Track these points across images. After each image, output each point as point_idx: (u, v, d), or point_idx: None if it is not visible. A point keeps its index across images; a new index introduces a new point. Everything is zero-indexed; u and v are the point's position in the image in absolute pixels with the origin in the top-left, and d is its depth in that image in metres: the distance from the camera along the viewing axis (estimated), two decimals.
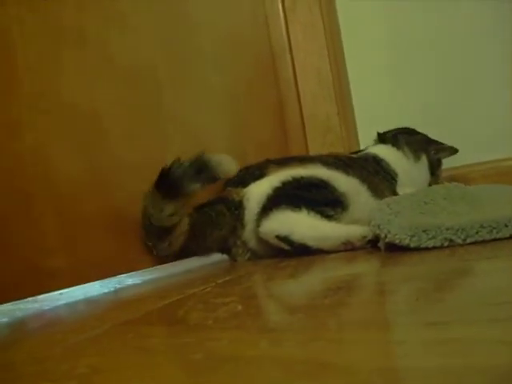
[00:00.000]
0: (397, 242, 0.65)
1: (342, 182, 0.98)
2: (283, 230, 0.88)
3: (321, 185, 0.96)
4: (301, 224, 0.89)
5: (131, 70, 0.94)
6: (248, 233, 0.96)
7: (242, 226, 0.96)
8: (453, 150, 1.27)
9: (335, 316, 0.39)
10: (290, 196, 0.92)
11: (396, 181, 1.14)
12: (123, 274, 0.90)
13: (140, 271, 0.93)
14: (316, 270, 0.73)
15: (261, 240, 0.94)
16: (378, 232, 0.69)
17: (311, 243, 0.86)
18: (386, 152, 1.19)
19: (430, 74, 1.47)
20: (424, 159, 1.24)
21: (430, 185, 1.24)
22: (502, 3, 1.39)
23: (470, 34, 1.43)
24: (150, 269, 0.94)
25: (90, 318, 0.65)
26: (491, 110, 1.41)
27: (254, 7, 1.48)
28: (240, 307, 0.49)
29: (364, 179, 1.03)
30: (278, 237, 0.88)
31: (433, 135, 1.30)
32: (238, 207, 0.97)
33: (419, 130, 1.29)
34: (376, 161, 1.16)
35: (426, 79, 1.48)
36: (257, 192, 0.96)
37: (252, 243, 0.96)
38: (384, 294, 0.47)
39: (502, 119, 1.39)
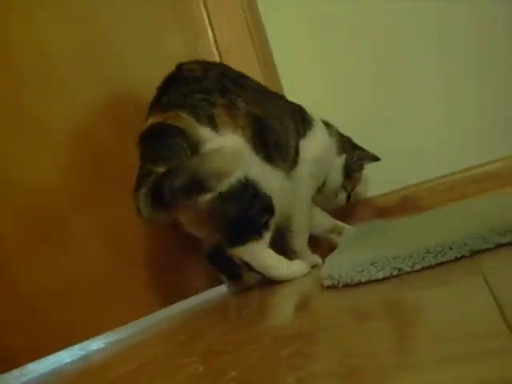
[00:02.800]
0: (349, 281, 0.67)
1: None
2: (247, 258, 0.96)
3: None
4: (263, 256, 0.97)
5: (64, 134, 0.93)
6: None
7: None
8: (375, 158, 1.31)
9: (295, 370, 0.40)
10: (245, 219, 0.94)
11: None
12: (86, 340, 0.89)
13: (103, 334, 0.93)
14: (274, 315, 0.74)
15: (214, 200, 0.90)
16: (332, 282, 0.70)
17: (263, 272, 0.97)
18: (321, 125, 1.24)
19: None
20: (343, 159, 1.28)
21: (344, 188, 1.30)
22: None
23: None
24: (113, 331, 0.93)
25: None
26: (429, 126, 1.46)
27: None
28: (201, 368, 0.50)
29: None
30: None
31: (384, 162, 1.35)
32: (196, 147, 0.91)
33: None
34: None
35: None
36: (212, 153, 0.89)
37: (201, 200, 0.90)
38: (343, 337, 0.48)
39: (440, 133, 1.44)
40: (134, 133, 0.92)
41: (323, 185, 1.25)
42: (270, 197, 0.98)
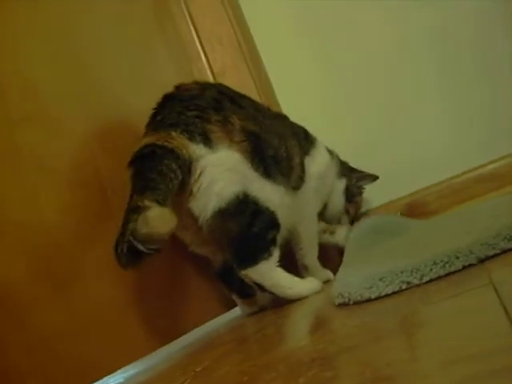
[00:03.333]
0: (359, 298, 0.67)
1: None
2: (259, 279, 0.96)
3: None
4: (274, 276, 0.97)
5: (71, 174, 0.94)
6: (197, 203, 0.93)
7: (190, 192, 0.93)
8: (373, 177, 1.32)
9: None
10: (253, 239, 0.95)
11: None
12: (104, 376, 0.89)
13: (121, 369, 0.93)
14: (288, 339, 0.73)
15: (214, 218, 0.92)
16: (343, 301, 0.70)
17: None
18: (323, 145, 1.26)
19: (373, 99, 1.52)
20: (344, 182, 1.29)
21: (347, 211, 1.31)
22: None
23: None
24: (130, 365, 0.93)
25: None
26: (434, 129, 1.46)
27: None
28: None
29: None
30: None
31: (378, 163, 1.36)
32: (187, 167, 0.91)
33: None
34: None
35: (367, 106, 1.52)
36: (210, 179, 0.92)
37: (201, 218, 0.94)
38: (356, 361, 0.47)
39: (446, 136, 1.44)
40: None
41: (326, 208, 1.26)
42: (273, 212, 0.98)
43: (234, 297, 1.11)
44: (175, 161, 0.89)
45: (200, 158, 0.92)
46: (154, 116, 0.98)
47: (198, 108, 0.96)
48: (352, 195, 1.30)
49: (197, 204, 0.93)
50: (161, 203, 0.85)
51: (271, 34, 1.60)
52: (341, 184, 1.28)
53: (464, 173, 1.38)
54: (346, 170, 1.31)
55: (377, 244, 1.07)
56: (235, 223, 0.94)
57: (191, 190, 0.93)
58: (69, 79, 1.01)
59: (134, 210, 0.84)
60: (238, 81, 1.58)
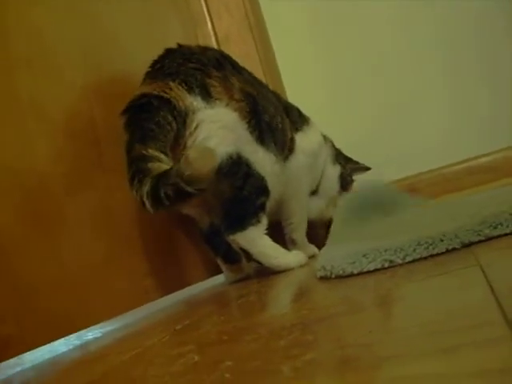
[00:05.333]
0: (341, 272, 0.67)
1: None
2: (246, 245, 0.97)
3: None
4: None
5: (68, 124, 0.93)
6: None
7: (184, 145, 0.91)
8: (366, 168, 1.34)
9: (291, 359, 0.40)
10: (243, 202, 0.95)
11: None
12: (83, 329, 0.89)
13: (100, 324, 0.93)
14: (271, 306, 0.74)
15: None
16: (325, 274, 0.71)
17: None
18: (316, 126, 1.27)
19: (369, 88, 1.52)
20: (338, 169, 1.30)
21: None
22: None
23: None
24: (110, 320, 0.93)
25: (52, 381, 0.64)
26: (430, 118, 1.46)
27: None
28: (196, 358, 0.50)
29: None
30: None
31: (374, 148, 1.36)
32: (182, 119, 0.90)
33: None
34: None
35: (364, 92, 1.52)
36: (205, 134, 0.91)
37: None
38: (336, 327, 0.48)
39: (441, 126, 1.44)
40: None
41: (321, 192, 1.27)
42: (263, 177, 0.98)
43: (219, 261, 1.12)
44: (171, 112, 0.88)
45: (197, 111, 0.91)
46: (153, 65, 0.97)
47: (199, 62, 0.96)
48: (346, 183, 1.32)
49: None
50: (164, 153, 0.85)
51: (280, 8, 1.59)
52: (335, 170, 1.30)
53: (458, 163, 1.39)
54: (340, 157, 1.32)
55: (363, 222, 1.08)
56: (226, 184, 0.94)
57: (185, 143, 0.92)
58: (74, 28, 0.99)
59: (140, 159, 0.84)
60: (242, 50, 1.57)
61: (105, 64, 1.05)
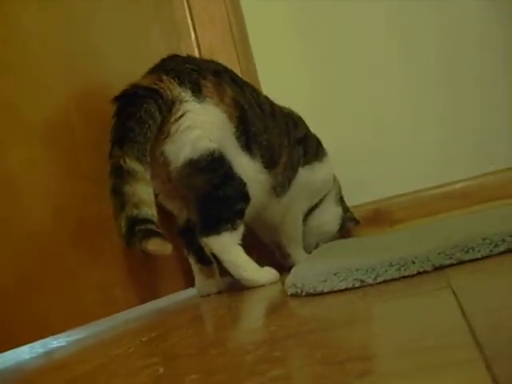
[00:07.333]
0: (312, 290, 0.67)
1: None
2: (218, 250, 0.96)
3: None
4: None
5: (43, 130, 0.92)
6: (170, 147, 0.92)
7: (167, 133, 0.92)
8: (356, 222, 1.38)
9: (257, 375, 0.39)
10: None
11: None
12: (48, 337, 0.87)
13: (65, 332, 0.91)
14: (240, 321, 0.73)
15: (184, 167, 0.92)
16: (295, 291, 0.71)
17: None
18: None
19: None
20: (340, 211, 1.33)
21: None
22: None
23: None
24: (77, 329, 0.91)
25: None
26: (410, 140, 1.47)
27: None
28: (161, 370, 0.49)
29: None
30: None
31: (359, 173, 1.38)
32: (168, 108, 0.90)
33: None
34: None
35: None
36: (189, 124, 0.91)
37: (172, 165, 0.93)
38: (305, 345, 0.47)
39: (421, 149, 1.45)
40: (108, 129, 0.90)
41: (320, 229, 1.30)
42: (245, 183, 0.97)
43: (191, 260, 1.08)
44: (156, 102, 0.88)
45: (184, 102, 0.91)
46: (155, 65, 0.98)
47: (197, 66, 0.97)
48: (343, 226, 1.34)
49: (171, 147, 0.92)
50: (140, 160, 0.85)
51: (264, 20, 1.60)
52: (339, 210, 1.32)
53: (433, 187, 1.40)
54: (344, 204, 1.35)
55: (338, 248, 1.09)
56: (203, 180, 0.93)
57: (169, 131, 0.91)
58: (57, 34, 0.98)
59: (118, 171, 0.84)
60: (224, 63, 1.57)
61: (85, 73, 1.04)
